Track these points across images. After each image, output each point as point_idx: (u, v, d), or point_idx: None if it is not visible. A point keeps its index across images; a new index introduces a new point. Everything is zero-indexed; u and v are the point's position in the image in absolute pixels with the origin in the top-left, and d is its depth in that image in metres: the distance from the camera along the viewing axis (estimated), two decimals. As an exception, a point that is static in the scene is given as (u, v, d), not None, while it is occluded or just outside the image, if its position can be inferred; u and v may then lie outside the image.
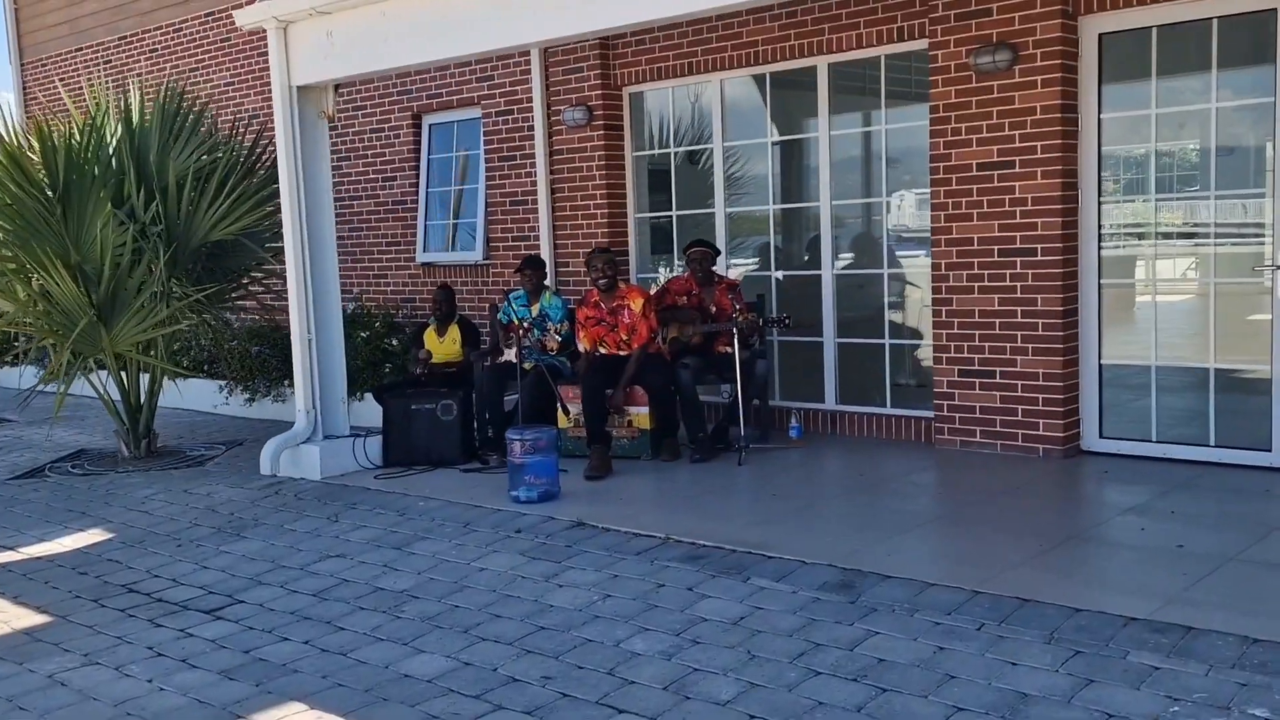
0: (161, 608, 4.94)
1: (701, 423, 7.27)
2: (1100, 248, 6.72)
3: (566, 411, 7.15)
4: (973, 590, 4.39)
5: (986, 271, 6.92)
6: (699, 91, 8.58)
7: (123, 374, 8.39)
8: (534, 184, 9.34)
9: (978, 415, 7.04)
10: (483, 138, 9.84)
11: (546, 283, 8.09)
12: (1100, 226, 6.71)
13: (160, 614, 4.85)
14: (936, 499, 5.95)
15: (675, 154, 8.86)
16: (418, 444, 7.38)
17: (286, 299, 7.31)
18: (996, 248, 6.87)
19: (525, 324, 7.94)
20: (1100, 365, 6.79)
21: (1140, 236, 6.73)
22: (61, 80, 14.42)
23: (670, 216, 8.91)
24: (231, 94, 12.41)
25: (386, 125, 10.84)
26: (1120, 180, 6.73)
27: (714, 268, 7.75)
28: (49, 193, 7.79)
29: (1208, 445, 6.43)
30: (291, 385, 10.10)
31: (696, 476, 6.71)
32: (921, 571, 4.64)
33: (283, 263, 9.44)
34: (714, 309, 7.63)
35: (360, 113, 11.04)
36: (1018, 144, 6.72)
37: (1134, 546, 4.93)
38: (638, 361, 7.18)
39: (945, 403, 7.18)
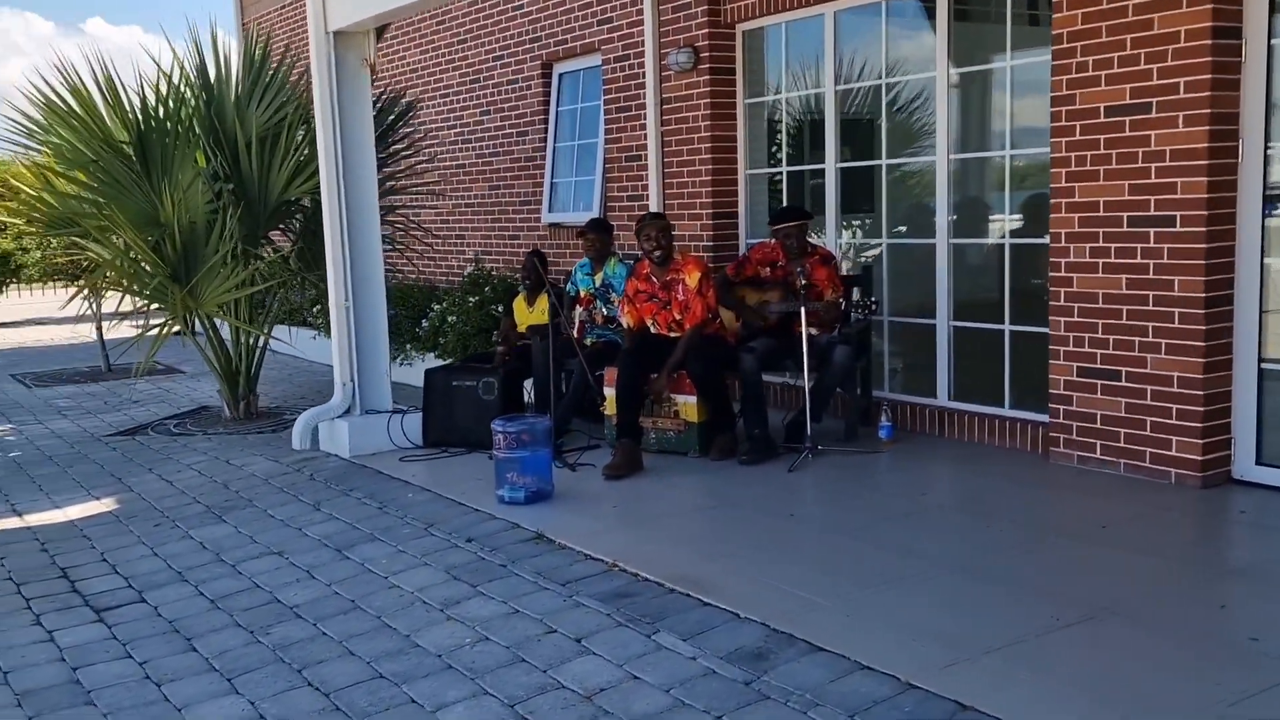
0: (64, 600, 4.57)
1: (760, 418, 6.20)
2: (1267, 216, 5.11)
3: (602, 397, 6.30)
4: (906, 683, 3.23)
5: (1113, 245, 5.45)
6: (812, 27, 7.37)
7: (219, 334, 8.25)
8: (646, 137, 8.43)
9: (1098, 426, 5.60)
10: (601, 87, 9.01)
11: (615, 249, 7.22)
12: (1266, 188, 5.09)
13: (54, 608, 4.47)
14: (984, 535, 4.68)
15: (786, 100, 7.70)
16: (457, 424, 6.74)
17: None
18: (1126, 215, 5.39)
19: (587, 295, 7.13)
20: (1261, 369, 5.19)
21: (1326, 201, 5.06)
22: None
23: (781, 172, 7.77)
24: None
25: (520, 76, 10.22)
26: (1298, 125, 5.07)
27: (808, 237, 6.61)
28: (128, 151, 7.67)
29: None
30: (416, 348, 9.84)
31: (727, 484, 5.70)
32: (866, 646, 3.51)
33: (389, 225, 9.17)
34: (801, 285, 6.49)
35: (499, 64, 10.48)
36: (1155, 81, 5.20)
37: (1203, 634, 3.56)
38: (687, 344, 6.19)
39: (1061, 408, 5.77)
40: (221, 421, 8.35)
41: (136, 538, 5.39)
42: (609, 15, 8.87)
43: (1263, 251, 5.12)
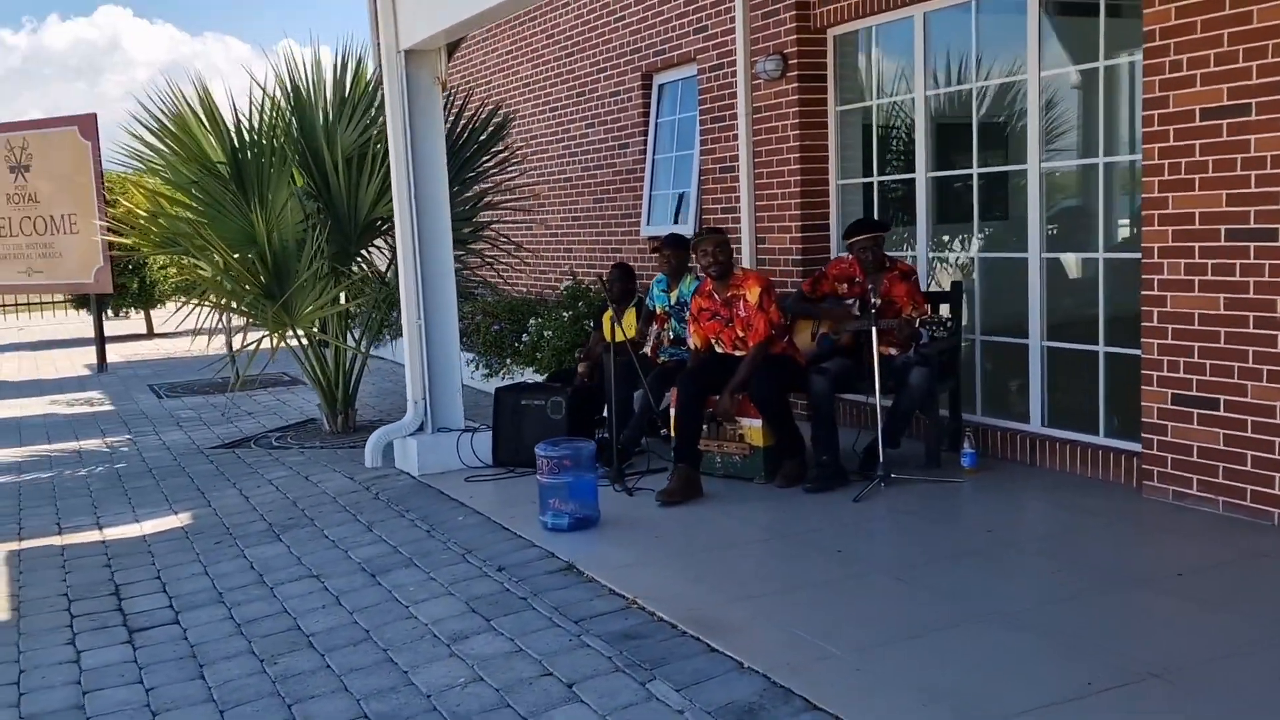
0: (104, 619, 4.64)
1: (830, 443, 5.89)
2: (1383, 228, 4.55)
3: (662, 420, 6.10)
4: (892, 758, 2.93)
5: (1210, 261, 4.95)
6: (903, 30, 7.01)
7: (318, 349, 8.39)
8: (738, 148, 8.19)
9: (1195, 459, 5.10)
10: (697, 97, 8.81)
11: (692, 264, 7.00)
12: (1383, 196, 4.53)
13: (92, 627, 4.56)
14: (1044, 580, 4.28)
15: (878, 107, 7.35)
16: (526, 443, 6.60)
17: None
18: (1223, 228, 4.88)
19: (663, 312, 6.94)
20: (1377, 401, 4.62)
21: None
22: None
23: (871, 182, 7.42)
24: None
25: (621, 88, 10.12)
26: None
27: (884, 250, 6.27)
28: (224, 172, 7.89)
29: None
30: (516, 362, 9.84)
31: (785, 514, 5.42)
32: (866, 707, 3.22)
33: (482, 240, 9.19)
34: (879, 302, 6.16)
35: (602, 75, 10.41)
36: (1254, 80, 4.69)
37: (1259, 707, 3.14)
38: (751, 364, 5.93)
39: (1155, 438, 5.28)
40: (320, 435, 8.49)
41: (195, 555, 5.47)
42: (704, 24, 8.68)
43: (1379, 268, 4.55)
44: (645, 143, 9.86)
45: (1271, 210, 4.66)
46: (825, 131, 7.60)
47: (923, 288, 6.88)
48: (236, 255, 8.00)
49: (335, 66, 8.02)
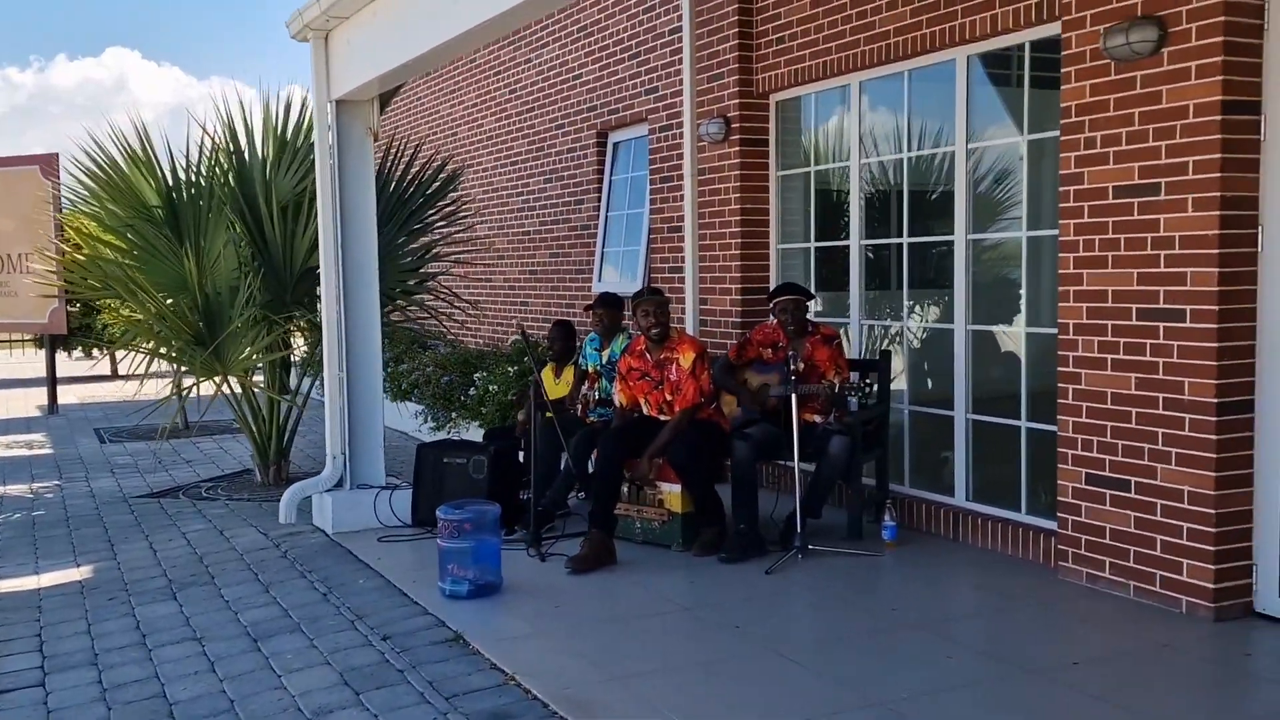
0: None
1: (749, 512, 5.78)
2: (1291, 313, 4.48)
3: (582, 482, 5.98)
4: None
5: (1122, 340, 4.88)
6: (839, 98, 7.00)
7: (252, 398, 8.26)
8: (684, 208, 8.14)
9: (1108, 541, 4.99)
10: (648, 156, 8.79)
11: (626, 323, 6.93)
12: (1291, 281, 4.47)
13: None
14: (936, 668, 4.13)
15: (815, 173, 7.31)
16: (447, 502, 6.49)
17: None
18: (1135, 307, 4.82)
19: (594, 371, 6.84)
20: (1286, 488, 4.52)
21: (1364, 298, 4.40)
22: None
23: (809, 248, 7.37)
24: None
25: (578, 145, 10.11)
26: (1327, 212, 4.44)
27: (808, 315, 6.20)
28: (157, 214, 7.81)
29: None
30: (462, 415, 9.72)
31: (693, 585, 5.29)
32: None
33: (436, 289, 9.11)
34: (801, 366, 6.07)
35: (560, 131, 10.40)
36: (1163, 160, 4.65)
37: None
38: (674, 428, 5.83)
39: (1070, 518, 5.17)
40: (250, 487, 8.33)
41: (84, 612, 5.30)
42: (655, 85, 8.68)
43: (1287, 353, 4.48)
44: (599, 199, 9.83)
45: (1180, 290, 4.60)
46: (766, 195, 7.56)
47: (856, 355, 6.82)
48: (171, 301, 7.90)
49: (275, 112, 7.97)
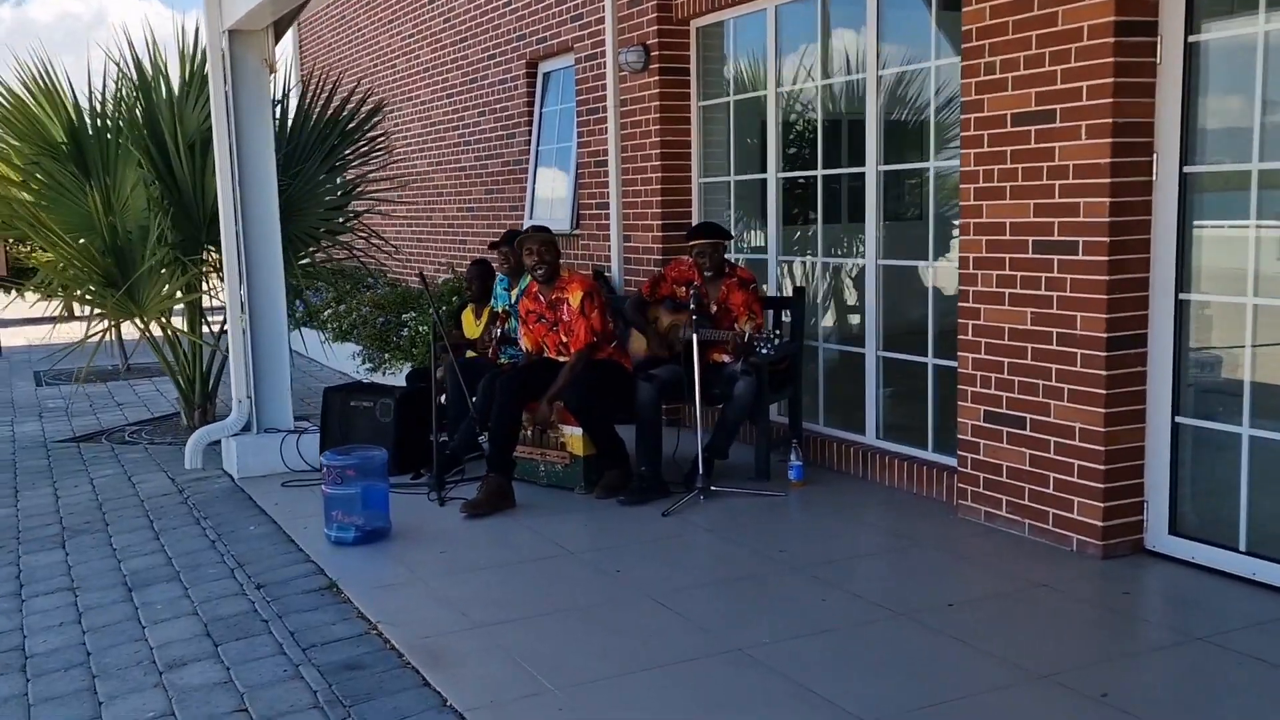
0: None
1: (651, 454, 5.67)
2: (1183, 242, 4.34)
3: (481, 425, 5.84)
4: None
5: (1019, 274, 4.74)
6: (756, 24, 6.77)
7: (175, 341, 8.08)
8: (607, 141, 7.93)
9: (1004, 479, 4.90)
10: (575, 88, 8.55)
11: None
12: (1185, 212, 4.32)
13: None
14: (807, 611, 4.05)
15: (734, 103, 7.11)
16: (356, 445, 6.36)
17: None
18: (1031, 239, 4.68)
19: (503, 312, 6.68)
20: (1175, 425, 4.42)
21: (1255, 228, 4.26)
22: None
23: (728, 181, 7.18)
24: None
25: (509, 76, 9.84)
26: (1222, 141, 4.28)
27: (726, 255, 6.04)
28: (64, 150, 7.57)
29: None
30: (402, 358, 9.57)
31: (587, 528, 5.20)
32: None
33: (360, 228, 8.91)
34: (714, 308, 5.94)
35: (492, 61, 10.13)
36: (1058, 85, 4.48)
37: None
38: (570, 370, 5.70)
39: (970, 456, 5.08)
40: (175, 430, 8.19)
41: (-40, 567, 5.17)
42: (579, 12, 8.41)
43: (1178, 287, 4.35)
44: (530, 133, 9.59)
45: (1074, 222, 4.45)
46: (688, 126, 7.36)
47: (771, 292, 6.68)
48: (82, 240, 7.68)
49: (183, 42, 7.70)
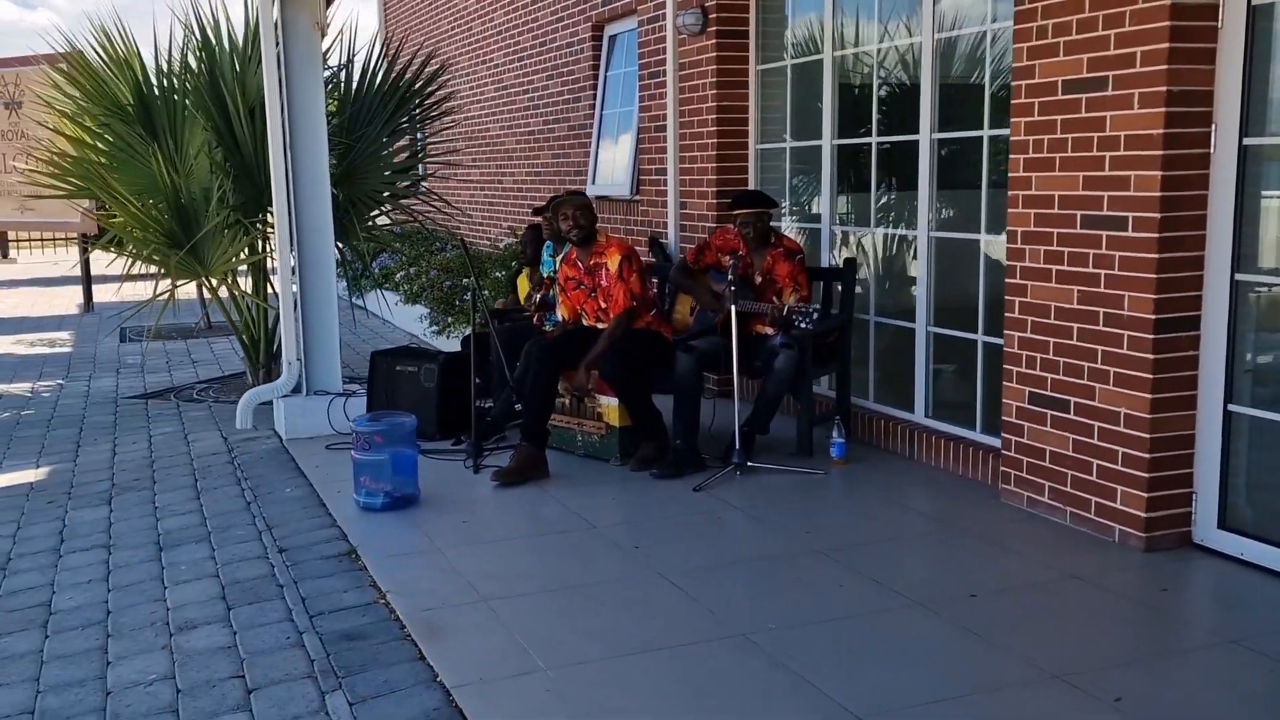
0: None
1: (688, 426, 5.56)
2: (1241, 220, 4.07)
3: (517, 394, 5.81)
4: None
5: (1067, 249, 4.51)
6: (816, -15, 6.54)
7: (241, 300, 8.21)
8: (666, 106, 7.79)
9: (1047, 464, 4.69)
10: (638, 51, 8.41)
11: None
12: (1242, 185, 4.05)
13: None
14: (821, 598, 3.93)
15: (792, 67, 6.90)
16: (400, 409, 6.37)
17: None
18: (1079, 213, 4.44)
19: (549, 279, 6.63)
20: (1227, 413, 4.16)
21: (1323, 205, 3.98)
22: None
23: (785, 148, 6.99)
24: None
25: (575, 38, 9.73)
26: (1285, 109, 3.99)
27: (772, 224, 5.89)
28: (131, 113, 7.70)
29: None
30: (465, 322, 9.61)
31: (617, 502, 5.14)
32: None
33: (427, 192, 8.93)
34: (759, 279, 5.81)
35: (559, 24, 10.02)
36: (1111, 50, 4.22)
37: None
38: (609, 337, 5.61)
39: (1013, 439, 4.88)
40: (242, 388, 8.32)
41: (19, 515, 5.33)
42: (643, -27, 8.24)
43: (1234, 267, 4.08)
44: (595, 97, 9.48)
45: (1124, 197, 4.20)
46: (746, 91, 7.17)
47: (825, 263, 6.50)
48: (152, 201, 7.82)
49: (247, 5, 7.75)
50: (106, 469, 6.12)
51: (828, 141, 6.45)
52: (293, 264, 6.48)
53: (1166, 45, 3.97)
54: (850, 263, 6.08)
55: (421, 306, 10.56)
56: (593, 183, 9.38)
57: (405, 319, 11.06)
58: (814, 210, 6.73)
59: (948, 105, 5.58)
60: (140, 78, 7.70)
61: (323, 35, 6.47)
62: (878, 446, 5.93)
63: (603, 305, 5.74)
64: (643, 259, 5.97)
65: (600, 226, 5.94)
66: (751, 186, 7.20)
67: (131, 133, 7.73)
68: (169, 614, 3.99)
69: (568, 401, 5.83)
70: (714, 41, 7.09)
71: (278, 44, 6.30)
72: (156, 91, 7.74)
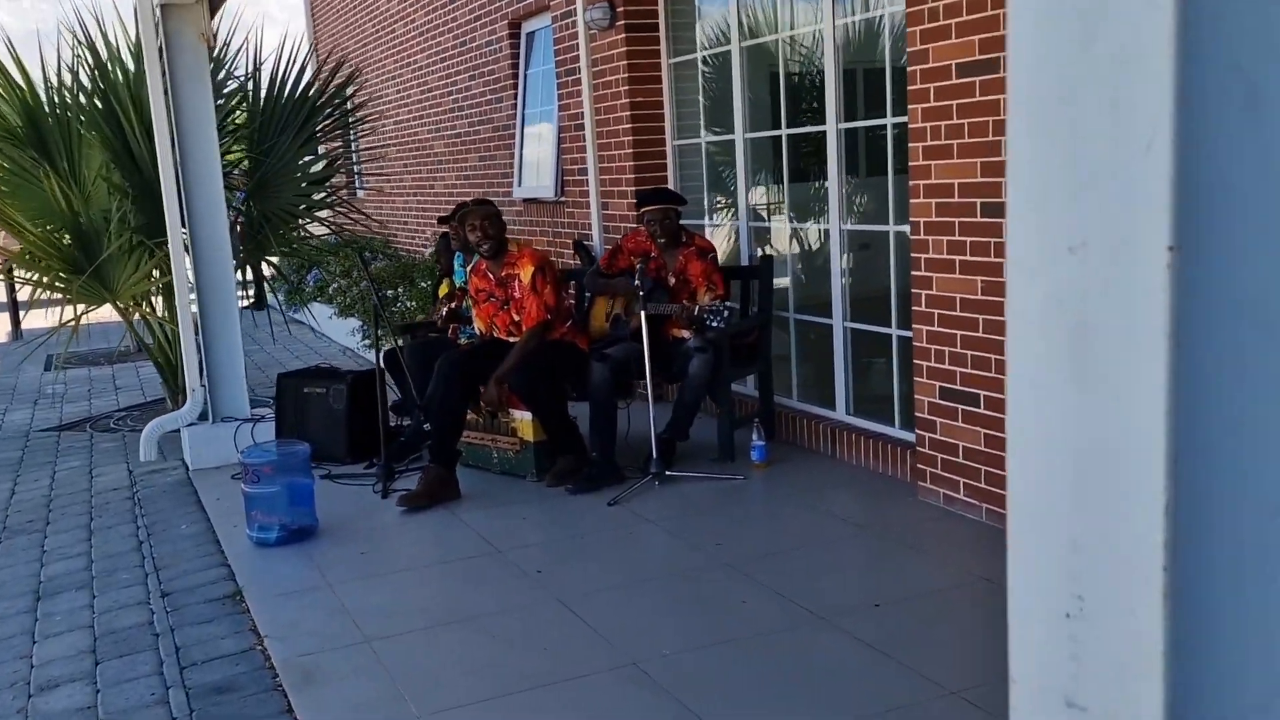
0: None
1: (605, 438, 5.37)
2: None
3: (422, 411, 5.60)
4: None
5: (969, 239, 4.35)
6: (719, -26, 6.35)
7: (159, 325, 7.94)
8: (582, 104, 7.58)
9: (961, 460, 4.53)
10: (554, 48, 8.20)
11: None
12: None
13: None
14: (722, 617, 3.76)
15: (702, 59, 6.71)
16: (309, 434, 6.14)
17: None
18: (979, 201, 4.28)
19: (461, 290, 6.41)
20: (1138, 402, 4.01)
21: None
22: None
23: (700, 144, 6.81)
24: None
25: (494, 36, 9.50)
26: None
27: (681, 222, 5.71)
28: (20, 135, 7.41)
29: None
30: (385, 332, 9.37)
31: (527, 521, 4.94)
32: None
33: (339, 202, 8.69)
34: (672, 280, 5.63)
35: (478, 22, 9.79)
36: (1001, 31, 4.05)
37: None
38: (520, 350, 5.40)
39: (927, 435, 4.72)
40: (159, 415, 8.06)
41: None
42: (554, -32, 8.03)
43: (1136, 250, 3.92)
44: (516, 96, 9.26)
45: (1022, 183, 4.04)
46: (660, 87, 6.98)
47: (744, 261, 6.33)
48: (51, 226, 7.54)
49: (137, 19, 7.46)
50: (0, 511, 5.85)
51: (740, 135, 6.28)
52: (190, 284, 6.23)
53: (1054, 23, 3.80)
54: (767, 260, 5.91)
55: (355, 319, 10.32)
56: (519, 185, 9.17)
57: (339, 332, 10.82)
58: (731, 207, 6.55)
59: (852, 94, 5.42)
60: (30, 99, 7.40)
61: (210, 47, 6.22)
62: (801, 446, 5.76)
63: (515, 318, 5.53)
64: (557, 267, 5.76)
65: (515, 234, 5.74)
66: (670, 184, 7.01)
67: (24, 156, 7.44)
68: (33, 672, 3.76)
69: (482, 418, 5.62)
70: (623, 36, 6.89)
71: (162, 57, 6.04)
72: (47, 110, 7.45)
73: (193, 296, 6.27)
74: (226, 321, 6.36)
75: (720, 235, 6.64)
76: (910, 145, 4.57)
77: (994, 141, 4.13)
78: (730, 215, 6.54)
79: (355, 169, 10.60)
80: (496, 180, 9.81)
